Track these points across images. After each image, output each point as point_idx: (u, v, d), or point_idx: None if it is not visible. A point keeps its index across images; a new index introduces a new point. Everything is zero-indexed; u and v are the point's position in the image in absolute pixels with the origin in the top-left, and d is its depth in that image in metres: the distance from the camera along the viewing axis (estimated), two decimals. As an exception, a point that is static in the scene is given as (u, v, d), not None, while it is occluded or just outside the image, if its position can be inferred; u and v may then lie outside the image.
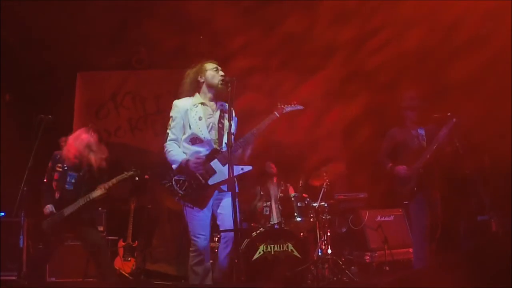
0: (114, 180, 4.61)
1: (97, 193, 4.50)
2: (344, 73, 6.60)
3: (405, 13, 5.38)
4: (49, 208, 4.46)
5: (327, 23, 5.86)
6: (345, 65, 6.45)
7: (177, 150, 3.65)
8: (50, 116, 4.46)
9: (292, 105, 3.82)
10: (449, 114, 4.50)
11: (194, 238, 3.56)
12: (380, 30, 5.71)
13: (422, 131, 4.76)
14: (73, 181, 4.54)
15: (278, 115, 3.74)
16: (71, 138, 4.67)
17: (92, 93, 7.35)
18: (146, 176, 6.12)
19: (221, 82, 3.62)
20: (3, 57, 6.14)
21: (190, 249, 3.60)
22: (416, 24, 5.45)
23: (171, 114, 3.75)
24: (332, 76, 6.73)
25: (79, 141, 4.62)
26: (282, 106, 3.79)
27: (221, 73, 3.72)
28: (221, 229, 3.63)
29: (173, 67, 7.17)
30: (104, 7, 5.80)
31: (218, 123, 3.67)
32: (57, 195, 4.52)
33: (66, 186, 4.53)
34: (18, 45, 6.19)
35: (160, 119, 7.27)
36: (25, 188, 4.33)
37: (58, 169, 4.60)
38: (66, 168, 4.59)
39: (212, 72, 3.73)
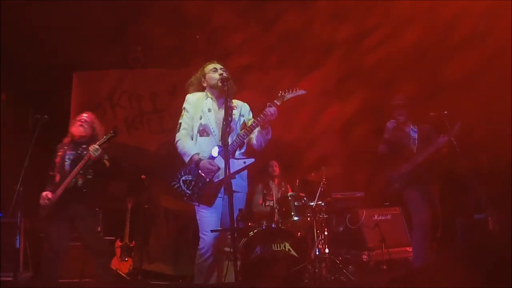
0: (103, 139, 4.37)
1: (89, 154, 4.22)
2: (341, 71, 6.59)
3: (402, 11, 5.38)
4: (44, 194, 4.28)
5: (324, 21, 5.85)
6: (342, 63, 6.44)
7: (189, 142, 3.65)
8: (46, 116, 4.46)
9: (294, 91, 3.55)
10: (445, 112, 4.49)
11: (201, 236, 3.58)
12: (377, 28, 5.70)
13: (415, 134, 4.75)
14: (71, 157, 4.37)
15: (278, 104, 3.51)
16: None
17: (88, 92, 7.31)
18: (143, 176, 6.11)
19: (220, 81, 3.61)
20: (-1, 57, 6.12)
21: (198, 247, 3.59)
22: (413, 22, 5.45)
23: (183, 106, 3.76)
24: (329, 74, 6.71)
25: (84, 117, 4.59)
26: (283, 93, 3.55)
27: (220, 72, 3.70)
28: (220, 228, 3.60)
29: (169, 66, 7.18)
30: (100, 7, 5.77)
31: (223, 120, 3.57)
32: (57, 179, 4.33)
33: (65, 166, 4.35)
34: (14, 45, 6.15)
35: (157, 118, 7.27)
36: (21, 188, 4.31)
37: (59, 153, 4.46)
38: (66, 148, 4.46)
39: (211, 74, 3.75)
